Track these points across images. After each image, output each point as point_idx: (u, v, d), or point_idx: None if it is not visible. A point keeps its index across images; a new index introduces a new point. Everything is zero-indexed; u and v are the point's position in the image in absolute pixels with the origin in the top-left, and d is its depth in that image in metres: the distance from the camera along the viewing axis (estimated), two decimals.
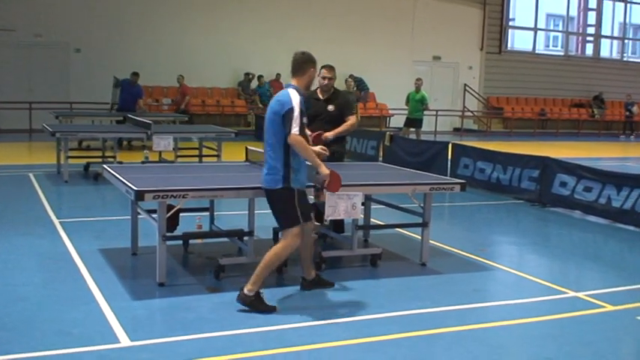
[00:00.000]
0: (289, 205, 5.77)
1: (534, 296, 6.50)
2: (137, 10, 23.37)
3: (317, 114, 7.77)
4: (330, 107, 7.88)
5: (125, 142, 17.36)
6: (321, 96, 7.92)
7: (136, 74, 18.57)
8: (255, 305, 5.59)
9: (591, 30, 34.45)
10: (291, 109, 5.61)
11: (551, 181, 10.97)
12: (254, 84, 25.26)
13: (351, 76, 24.15)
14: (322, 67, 7.75)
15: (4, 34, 21.52)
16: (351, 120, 7.99)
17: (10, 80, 21.77)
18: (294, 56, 5.96)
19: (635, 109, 31.03)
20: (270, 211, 5.98)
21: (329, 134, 7.69)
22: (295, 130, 5.58)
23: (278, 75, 25.02)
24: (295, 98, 5.67)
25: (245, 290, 5.62)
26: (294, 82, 5.90)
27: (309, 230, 6.02)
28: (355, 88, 24.56)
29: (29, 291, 6.00)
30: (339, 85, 25.44)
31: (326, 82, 7.84)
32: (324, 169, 5.79)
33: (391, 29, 27.55)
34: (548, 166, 11.09)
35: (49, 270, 6.70)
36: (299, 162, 5.78)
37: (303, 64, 5.90)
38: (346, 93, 7.75)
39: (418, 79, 19.21)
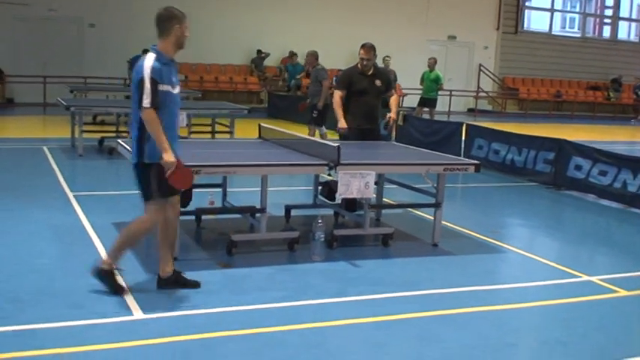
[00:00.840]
0: (145, 179, 5.21)
1: (547, 279, 6.48)
2: None
3: (365, 89, 8.21)
4: (378, 82, 8.29)
5: None
6: (365, 72, 8.21)
7: (146, 51, 18.57)
8: (106, 279, 5.29)
9: (609, 12, 34.13)
10: (142, 80, 5.01)
11: (566, 164, 10.89)
12: (272, 62, 25.20)
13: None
14: (361, 46, 8.15)
15: (18, 9, 21.51)
16: (395, 96, 8.66)
17: (25, 54, 21.80)
18: (157, 14, 5.27)
19: None
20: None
21: (393, 115, 8.58)
22: (146, 102, 4.96)
23: (291, 52, 24.95)
24: (148, 65, 5.05)
25: (100, 264, 5.38)
26: (158, 44, 5.25)
27: (171, 217, 5.49)
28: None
29: (43, 263, 6.03)
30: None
31: (365, 63, 8.17)
32: (169, 157, 5.03)
33: (405, 7, 27.34)
34: (564, 149, 11.00)
35: (63, 243, 6.73)
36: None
37: (165, 22, 5.22)
38: (385, 70, 8.44)
39: (431, 58, 19.04)
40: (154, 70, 5.05)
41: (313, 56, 13.62)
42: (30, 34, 21.96)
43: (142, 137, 5.12)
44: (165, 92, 5.10)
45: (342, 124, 8.19)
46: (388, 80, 8.56)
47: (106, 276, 5.32)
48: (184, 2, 25.49)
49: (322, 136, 12.85)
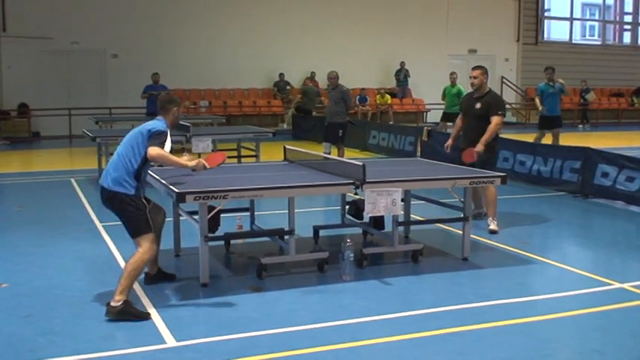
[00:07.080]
0: (140, 212, 5.65)
1: (579, 288, 6.42)
2: (173, 16, 23.58)
3: (467, 109, 8.67)
4: (478, 105, 8.52)
5: None
6: (474, 94, 8.60)
7: (155, 74, 18.75)
8: (126, 313, 5.34)
9: (628, 18, 33.96)
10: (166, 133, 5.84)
11: (592, 172, 10.81)
12: (295, 84, 25.32)
13: (401, 63, 24.83)
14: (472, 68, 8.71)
15: (43, 42, 21.84)
16: (495, 121, 8.39)
17: (49, 87, 22.10)
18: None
19: (589, 96, 30.07)
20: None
21: (479, 148, 8.28)
22: (167, 147, 5.82)
23: (313, 73, 25.05)
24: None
25: (112, 303, 5.36)
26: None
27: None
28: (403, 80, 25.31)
29: (74, 295, 6.08)
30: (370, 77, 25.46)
31: (472, 80, 8.59)
32: (190, 163, 6.10)
33: (425, 23, 27.42)
34: (590, 157, 10.93)
35: (94, 273, 6.78)
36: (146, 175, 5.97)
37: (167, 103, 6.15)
38: (496, 94, 8.21)
39: (452, 73, 19.02)
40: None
41: (336, 77, 13.70)
42: (54, 68, 22.24)
43: (139, 177, 5.81)
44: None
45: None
46: (490, 104, 8.50)
47: (125, 310, 5.36)
48: (206, 30, 25.87)
49: (341, 154, 12.99)
